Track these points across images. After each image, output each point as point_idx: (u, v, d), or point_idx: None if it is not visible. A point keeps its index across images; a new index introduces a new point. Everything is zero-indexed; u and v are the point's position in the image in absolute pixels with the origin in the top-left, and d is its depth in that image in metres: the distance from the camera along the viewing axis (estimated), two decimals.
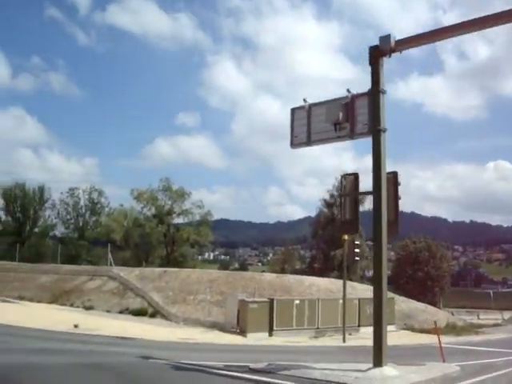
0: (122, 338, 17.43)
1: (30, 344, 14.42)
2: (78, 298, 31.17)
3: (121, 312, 28.00)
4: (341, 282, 24.89)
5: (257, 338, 21.75)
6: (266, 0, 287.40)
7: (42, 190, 68.12)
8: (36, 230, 67.80)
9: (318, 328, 24.92)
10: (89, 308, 29.12)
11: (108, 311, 28.42)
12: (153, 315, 27.12)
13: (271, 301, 23.62)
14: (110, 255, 35.42)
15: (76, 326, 19.02)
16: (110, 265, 34.71)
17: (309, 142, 12.89)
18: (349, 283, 25.94)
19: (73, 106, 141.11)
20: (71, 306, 30.28)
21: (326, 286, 31.70)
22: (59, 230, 67.25)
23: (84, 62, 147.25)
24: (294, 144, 13.20)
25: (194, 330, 23.23)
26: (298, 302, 24.54)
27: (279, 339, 22.17)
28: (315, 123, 12.71)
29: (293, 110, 13.41)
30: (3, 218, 67.27)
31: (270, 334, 23.00)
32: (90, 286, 32.70)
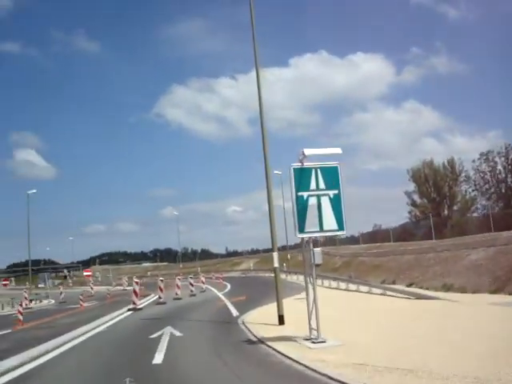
0: None
1: None
2: None
3: None
4: None
5: None
6: None
7: (451, 163, 57.52)
8: (455, 207, 57.08)
9: None
10: None
11: None
12: None
13: None
14: None
15: None
16: None
17: None
18: None
19: (460, 83, 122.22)
20: None
21: None
22: (480, 203, 54.83)
23: (460, 36, 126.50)
24: None
25: None
26: None
27: None
28: None
29: None
30: (418, 201, 59.37)
31: None
32: None
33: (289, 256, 46.29)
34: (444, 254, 25.63)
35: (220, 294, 27.71)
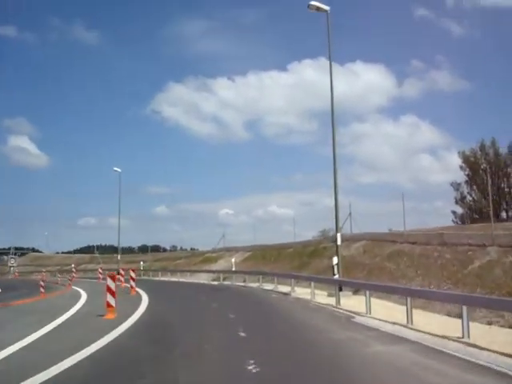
0: None
1: None
2: None
3: None
4: None
5: None
6: None
7: None
8: None
9: None
10: None
11: None
12: None
13: None
14: None
15: None
16: None
17: None
18: None
19: (461, 100, 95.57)
20: None
21: None
22: None
23: (461, 53, 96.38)
24: None
25: None
26: None
27: None
28: None
29: None
30: (468, 196, 43.78)
31: None
32: None
33: (339, 240, 18.83)
34: None
35: None
